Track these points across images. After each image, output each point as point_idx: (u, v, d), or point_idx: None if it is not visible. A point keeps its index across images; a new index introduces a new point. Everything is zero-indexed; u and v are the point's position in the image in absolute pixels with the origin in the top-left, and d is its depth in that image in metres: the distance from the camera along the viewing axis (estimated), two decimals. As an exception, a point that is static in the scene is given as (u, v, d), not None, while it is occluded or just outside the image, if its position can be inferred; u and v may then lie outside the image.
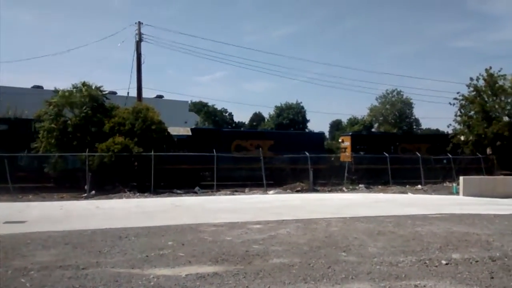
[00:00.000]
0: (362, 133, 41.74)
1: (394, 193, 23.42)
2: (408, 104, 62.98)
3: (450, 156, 30.54)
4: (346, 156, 31.49)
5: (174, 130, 26.60)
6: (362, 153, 30.47)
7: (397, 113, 61.75)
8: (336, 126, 64.99)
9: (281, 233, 9.92)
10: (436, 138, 37.27)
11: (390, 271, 6.65)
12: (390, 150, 30.63)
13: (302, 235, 9.74)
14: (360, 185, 26.61)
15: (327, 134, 64.17)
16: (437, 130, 64.65)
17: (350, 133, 37.33)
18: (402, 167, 29.03)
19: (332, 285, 5.98)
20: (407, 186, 26.56)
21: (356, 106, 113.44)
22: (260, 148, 26.86)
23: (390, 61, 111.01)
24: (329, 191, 24.45)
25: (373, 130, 56.01)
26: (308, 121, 62.89)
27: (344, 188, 25.64)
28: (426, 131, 65.29)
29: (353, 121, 61.84)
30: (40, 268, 6.75)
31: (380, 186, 26.86)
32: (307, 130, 55.23)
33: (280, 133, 36.68)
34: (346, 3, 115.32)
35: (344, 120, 66.41)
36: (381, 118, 62.00)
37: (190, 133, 27.82)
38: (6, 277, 6.27)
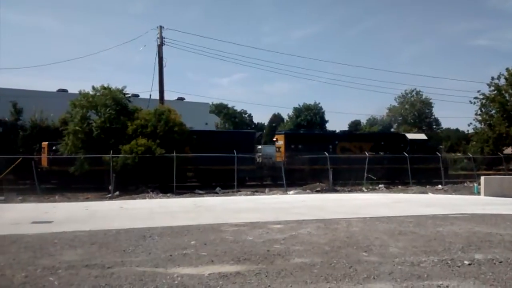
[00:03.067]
0: (297, 132, 38.76)
1: (414, 193, 23.17)
2: (427, 104, 62.18)
3: (471, 155, 30.01)
4: (279, 156, 29.99)
5: None
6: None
7: (416, 113, 60.99)
8: (354, 127, 64.54)
9: (302, 233, 9.97)
10: (380, 137, 34.79)
11: (412, 271, 6.65)
12: (329, 149, 29.27)
13: (323, 235, 9.77)
14: (380, 185, 26.43)
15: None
16: (457, 129, 63.62)
17: (283, 132, 34.83)
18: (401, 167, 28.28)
19: (354, 285, 6.01)
20: (428, 186, 26.24)
21: (375, 107, 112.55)
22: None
23: (409, 61, 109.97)
24: (349, 191, 24.34)
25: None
26: (326, 121, 62.65)
27: (363, 188, 25.48)
28: (446, 131, 64.30)
29: (372, 122, 61.33)
30: (68, 267, 6.93)
31: (400, 186, 26.63)
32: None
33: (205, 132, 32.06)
34: (364, 3, 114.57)
35: (363, 120, 65.94)
36: (400, 119, 61.35)
37: None
38: (35, 275, 6.46)
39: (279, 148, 30.56)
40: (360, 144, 31.60)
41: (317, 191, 23.63)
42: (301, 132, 37.47)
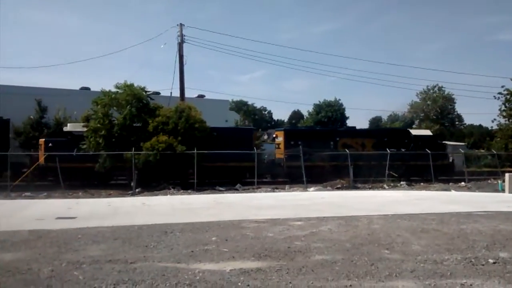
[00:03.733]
0: (297, 128, 37.79)
1: (436, 190, 22.87)
2: (450, 100, 61.15)
3: (495, 152, 29.33)
4: (279, 152, 29.43)
5: None
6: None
7: (438, 109, 60.01)
8: (375, 123, 63.92)
9: (322, 230, 9.95)
10: (383, 133, 33.81)
11: (435, 269, 6.58)
12: (330, 146, 28.93)
13: (343, 232, 9.74)
14: (401, 183, 26.12)
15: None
16: (480, 125, 62.39)
17: (283, 128, 33.83)
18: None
19: (376, 282, 5.98)
20: (450, 183, 25.84)
21: (396, 103, 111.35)
22: (300, 146, 26.80)
23: (430, 56, 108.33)
24: (370, 188, 24.16)
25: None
26: (347, 118, 62.23)
27: (385, 185, 25.24)
28: (469, 127, 63.16)
29: (393, 118, 60.66)
30: (92, 261, 7.07)
31: (422, 184, 26.30)
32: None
33: None
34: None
35: (384, 117, 65.25)
36: (422, 115, 60.48)
37: None
38: (61, 270, 6.61)
39: (278, 144, 30.13)
40: (362, 140, 30.91)
41: (338, 188, 23.51)
42: (301, 128, 36.37)
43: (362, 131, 34.29)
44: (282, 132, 30.64)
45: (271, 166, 29.81)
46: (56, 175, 22.20)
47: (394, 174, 27.14)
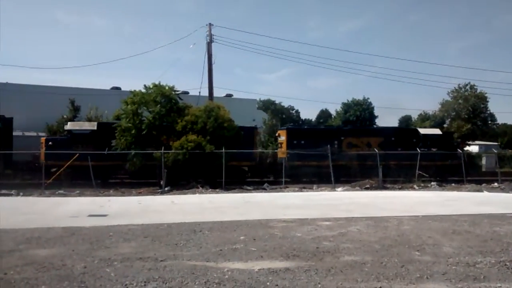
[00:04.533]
0: (300, 127, 35.90)
1: (468, 191, 22.33)
2: (482, 99, 59.51)
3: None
4: (282, 152, 28.77)
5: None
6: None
7: (470, 108, 58.49)
8: (405, 122, 62.79)
9: (351, 231, 9.88)
10: (391, 132, 32.15)
11: (467, 272, 6.45)
12: (334, 145, 27.75)
13: (373, 233, 9.64)
14: (432, 183, 25.60)
15: (396, 130, 62.10)
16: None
17: (286, 127, 32.87)
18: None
19: (406, 285, 5.90)
20: (483, 184, 25.18)
21: (427, 101, 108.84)
22: (328, 145, 26.62)
23: (460, 54, 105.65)
24: (399, 189, 23.78)
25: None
26: (376, 117, 61.32)
27: (415, 186, 24.78)
28: (502, 126, 61.37)
29: (423, 117, 59.43)
30: (123, 259, 7.22)
31: (453, 184, 25.73)
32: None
33: None
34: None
35: (414, 115, 64.02)
36: (453, 114, 59.07)
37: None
38: (93, 266, 6.78)
39: (281, 143, 29.58)
40: (368, 139, 29.98)
41: (366, 188, 23.24)
42: (305, 127, 35.00)
43: (368, 130, 33.53)
44: (285, 131, 29.99)
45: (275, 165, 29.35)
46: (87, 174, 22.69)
47: (424, 174, 26.65)
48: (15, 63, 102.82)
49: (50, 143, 25.70)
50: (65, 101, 35.25)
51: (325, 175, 24.83)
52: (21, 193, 20.01)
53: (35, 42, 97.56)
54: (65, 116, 34.58)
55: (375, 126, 45.80)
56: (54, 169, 23.91)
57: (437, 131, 33.38)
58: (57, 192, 20.46)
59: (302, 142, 27.42)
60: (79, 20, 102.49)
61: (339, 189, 22.87)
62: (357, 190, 22.77)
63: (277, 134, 31.37)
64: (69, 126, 26.74)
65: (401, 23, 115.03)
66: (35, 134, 33.43)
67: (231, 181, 23.84)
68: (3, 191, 20.26)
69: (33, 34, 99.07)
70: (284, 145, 28.57)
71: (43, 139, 26.65)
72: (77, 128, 26.38)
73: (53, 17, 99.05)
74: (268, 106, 69.65)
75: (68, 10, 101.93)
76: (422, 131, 32.03)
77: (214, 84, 29.90)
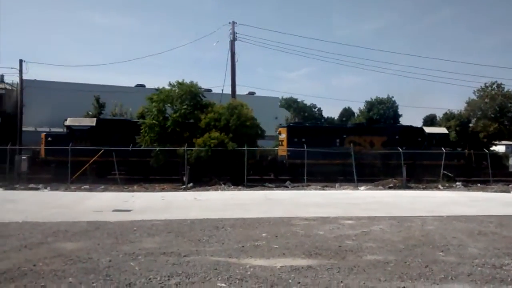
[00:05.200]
0: (301, 125, 34.52)
1: (495, 191, 21.87)
2: (509, 98, 58.07)
3: None
4: (282, 150, 28.42)
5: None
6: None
7: (497, 107, 57.15)
8: (430, 121, 61.79)
9: (374, 230, 9.80)
10: (394, 130, 31.44)
11: (494, 274, 6.32)
12: (336, 143, 27.54)
13: (396, 232, 9.54)
14: (457, 183, 25.16)
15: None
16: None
17: (286, 125, 32.66)
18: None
19: (431, 285, 5.82)
20: (510, 185, 24.58)
21: (452, 100, 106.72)
22: (351, 143, 26.39)
23: (487, 52, 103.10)
24: (424, 188, 23.45)
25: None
26: (400, 116, 60.53)
27: (439, 186, 24.40)
28: None
29: (448, 116, 58.40)
30: (147, 253, 7.32)
31: (479, 185, 25.23)
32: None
33: None
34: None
35: (439, 114, 62.98)
36: (479, 113, 57.81)
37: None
38: (118, 260, 6.89)
39: (281, 141, 29.16)
40: (371, 138, 29.52)
41: (390, 188, 23.01)
42: (306, 125, 33.93)
43: (371, 128, 32.93)
44: (285, 128, 29.66)
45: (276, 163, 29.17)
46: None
47: (449, 174, 26.20)
48: (42, 60, 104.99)
49: (49, 138, 26.10)
50: (91, 98, 35.85)
51: (348, 173, 24.68)
52: (48, 188, 20.50)
53: (62, 41, 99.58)
54: (90, 113, 35.16)
55: (382, 124, 44.79)
56: (53, 165, 24.36)
57: (443, 130, 32.78)
58: (82, 187, 20.88)
59: (303, 140, 27.05)
60: (105, 19, 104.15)
61: (362, 188, 22.70)
62: (380, 189, 22.55)
63: (278, 132, 31.06)
64: (68, 122, 27.04)
65: (426, 20, 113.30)
66: (47, 129, 34.01)
67: (252, 178, 23.93)
68: (32, 185, 20.81)
69: (60, 32, 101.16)
70: (285, 143, 28.34)
71: (43, 135, 27.01)
72: (76, 124, 26.64)
73: (80, 16, 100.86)
74: (290, 104, 69.58)
75: (95, 9, 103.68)
76: (428, 129, 31.51)
77: (237, 82, 29.99)
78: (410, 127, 31.80)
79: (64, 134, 26.62)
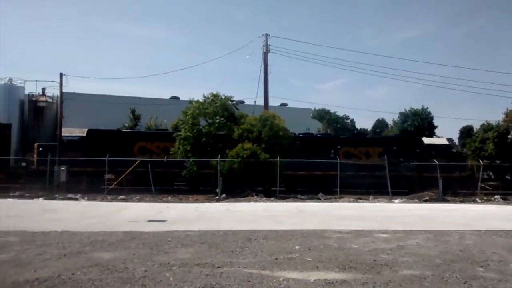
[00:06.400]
0: (294, 136, 34.39)
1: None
2: (550, 108, 55.96)
3: None
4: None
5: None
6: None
7: (537, 118, 55.16)
8: (467, 133, 60.19)
9: (410, 244, 9.60)
10: (392, 141, 30.73)
11: (536, 292, 6.10)
12: (329, 155, 26.94)
13: (433, 246, 9.31)
14: (495, 196, 24.36)
15: (456, 141, 59.75)
16: None
17: None
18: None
19: (470, 302, 5.67)
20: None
21: (490, 111, 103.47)
22: (386, 156, 25.98)
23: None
24: (461, 202, 22.81)
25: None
26: (435, 127, 59.26)
27: (477, 199, 23.70)
28: None
29: (486, 127, 56.77)
30: (181, 264, 7.38)
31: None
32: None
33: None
34: (472, 1, 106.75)
35: (476, 126, 61.34)
36: (518, 124, 55.91)
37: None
38: (153, 270, 6.98)
39: None
40: (367, 149, 29.04)
41: (425, 201, 22.51)
42: (299, 135, 33.60)
43: (367, 139, 32.13)
44: None
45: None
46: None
47: (487, 187, 25.43)
48: (81, 74, 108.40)
49: (40, 149, 26.69)
50: (126, 110, 36.70)
51: (381, 186, 24.28)
52: (86, 198, 21.04)
53: (100, 54, 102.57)
54: (126, 124, 35.98)
55: (382, 135, 43.72)
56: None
57: (443, 141, 31.90)
58: (118, 198, 21.32)
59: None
60: (140, 32, 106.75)
61: (396, 200, 22.29)
62: (415, 202, 22.09)
63: None
64: (62, 133, 27.46)
65: (459, 31, 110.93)
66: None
67: (284, 189, 23.89)
68: (70, 195, 21.40)
69: (98, 45, 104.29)
70: None
71: (35, 145, 27.63)
72: (67, 134, 27.14)
73: (117, 29, 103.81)
74: (323, 115, 69.26)
75: (131, 23, 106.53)
76: (427, 140, 30.71)
77: (269, 93, 30.05)
78: (408, 137, 31.21)
79: (55, 145, 26.95)
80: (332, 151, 28.48)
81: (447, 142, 31.85)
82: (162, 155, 26.21)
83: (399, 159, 25.85)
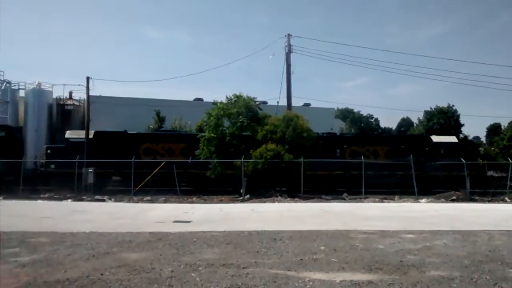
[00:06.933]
0: None
1: None
2: None
3: None
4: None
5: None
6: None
7: None
8: (494, 130, 58.70)
9: (437, 244, 9.47)
10: (399, 140, 30.05)
11: None
12: (336, 154, 26.60)
13: (461, 247, 9.17)
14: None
15: (483, 139, 58.47)
16: None
17: None
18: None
19: (500, 304, 5.57)
20: None
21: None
22: (411, 155, 25.60)
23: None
24: (489, 201, 22.32)
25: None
26: (462, 125, 58.14)
27: (506, 198, 23.14)
28: None
29: (513, 125, 55.31)
30: (207, 265, 7.46)
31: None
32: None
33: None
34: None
35: (504, 123, 59.86)
36: (546, 120, 54.29)
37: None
38: (180, 271, 7.08)
39: None
40: (374, 147, 28.48)
41: (452, 200, 22.09)
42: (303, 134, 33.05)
43: (374, 137, 31.35)
44: None
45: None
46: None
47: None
48: (107, 77, 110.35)
49: (48, 151, 27.11)
50: (151, 112, 37.16)
51: (407, 185, 23.95)
52: (113, 199, 21.41)
53: (125, 58, 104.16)
54: (151, 126, 36.44)
55: (392, 133, 42.87)
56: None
57: (452, 138, 31.03)
58: (144, 199, 21.62)
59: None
60: (164, 36, 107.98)
61: (423, 200, 21.95)
62: (442, 202, 21.71)
63: None
64: (68, 134, 27.95)
65: (483, 29, 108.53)
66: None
67: (308, 190, 23.80)
68: (98, 196, 21.82)
69: (123, 50, 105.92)
70: None
71: (45, 147, 28.09)
72: (74, 136, 27.50)
73: (141, 33, 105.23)
74: (346, 114, 68.77)
75: (155, 26, 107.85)
76: (435, 138, 29.94)
77: (292, 94, 29.98)
78: (416, 135, 30.59)
79: (62, 147, 27.46)
80: (339, 150, 28.34)
81: (456, 140, 31.11)
82: (167, 156, 26.68)
83: (407, 157, 25.32)
